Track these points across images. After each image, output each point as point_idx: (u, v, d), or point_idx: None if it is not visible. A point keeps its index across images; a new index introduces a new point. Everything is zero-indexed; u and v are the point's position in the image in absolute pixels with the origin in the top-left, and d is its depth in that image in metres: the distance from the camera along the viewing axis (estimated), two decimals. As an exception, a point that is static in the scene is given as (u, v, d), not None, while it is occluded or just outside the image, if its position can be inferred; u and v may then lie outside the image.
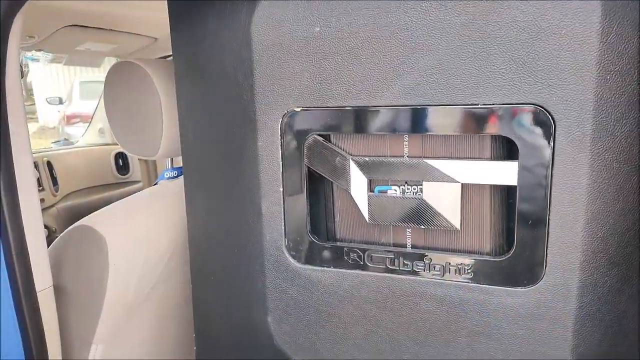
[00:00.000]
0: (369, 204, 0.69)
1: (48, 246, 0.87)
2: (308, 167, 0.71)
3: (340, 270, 0.72)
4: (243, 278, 0.79)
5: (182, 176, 0.85)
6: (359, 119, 0.66)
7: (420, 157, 0.66)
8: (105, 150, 2.67)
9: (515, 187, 0.61)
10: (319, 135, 0.69)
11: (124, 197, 1.08)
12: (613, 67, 0.55)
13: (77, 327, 0.92)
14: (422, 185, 0.67)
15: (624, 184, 0.58)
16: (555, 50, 0.55)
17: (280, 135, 0.70)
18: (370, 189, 0.70)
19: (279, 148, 0.71)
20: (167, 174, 1.21)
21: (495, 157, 0.64)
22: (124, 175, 2.71)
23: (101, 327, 0.91)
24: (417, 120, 0.63)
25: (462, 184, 0.65)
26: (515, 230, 0.62)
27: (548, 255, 0.61)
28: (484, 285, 0.64)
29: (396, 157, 0.67)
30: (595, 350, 0.62)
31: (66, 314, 0.91)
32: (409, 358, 0.71)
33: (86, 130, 2.84)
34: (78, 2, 1.32)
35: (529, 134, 0.59)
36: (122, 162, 2.70)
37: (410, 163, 0.66)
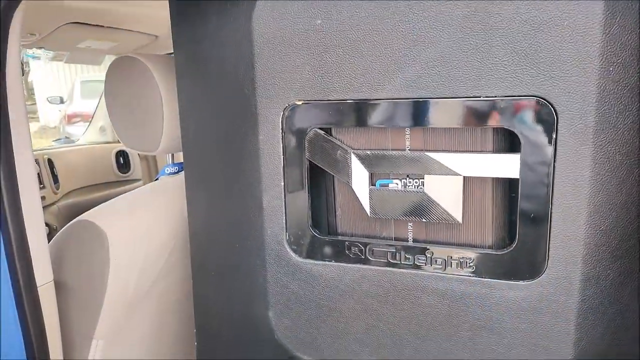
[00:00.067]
0: (371, 198, 0.69)
1: (49, 242, 0.88)
2: (309, 161, 0.70)
3: (342, 264, 0.71)
4: (244, 273, 0.79)
5: (183, 172, 0.85)
6: (361, 112, 0.66)
7: (422, 150, 0.66)
8: (106, 148, 2.67)
9: (517, 180, 0.61)
10: (320, 128, 0.69)
11: None
12: (616, 58, 0.54)
13: (78, 322, 0.92)
14: (423, 178, 0.67)
15: (626, 176, 0.57)
16: (557, 42, 0.55)
17: (281, 129, 0.70)
18: (372, 182, 0.69)
19: (280, 142, 0.70)
20: (167, 170, 1.20)
21: (497, 150, 0.64)
22: (125, 173, 2.71)
23: (102, 323, 0.91)
24: (419, 113, 0.63)
25: (464, 177, 0.64)
26: (518, 224, 0.62)
27: (550, 248, 0.61)
28: (485, 279, 0.64)
29: (398, 150, 0.67)
30: (598, 343, 0.62)
31: (67, 308, 0.91)
32: (410, 352, 0.71)
33: (87, 128, 2.85)
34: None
35: (531, 127, 0.58)
36: (123, 160, 2.70)
37: (411, 156, 0.66)
